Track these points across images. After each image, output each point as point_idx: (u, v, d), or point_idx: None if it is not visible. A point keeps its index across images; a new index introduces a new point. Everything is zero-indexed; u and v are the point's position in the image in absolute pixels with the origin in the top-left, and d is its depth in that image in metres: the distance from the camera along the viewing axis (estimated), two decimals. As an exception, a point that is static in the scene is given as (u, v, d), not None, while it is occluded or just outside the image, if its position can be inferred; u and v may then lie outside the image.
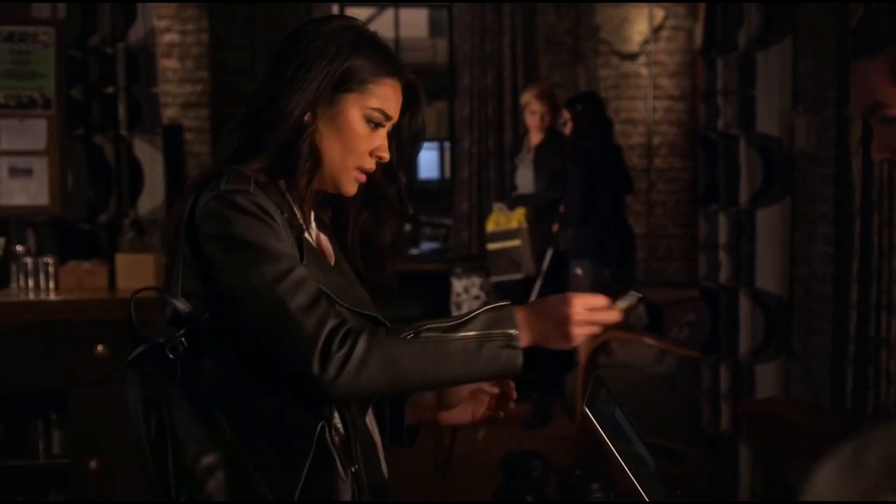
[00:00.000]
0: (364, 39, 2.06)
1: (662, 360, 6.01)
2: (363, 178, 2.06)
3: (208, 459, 1.86)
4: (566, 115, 6.61)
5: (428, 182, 11.48)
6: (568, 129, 6.61)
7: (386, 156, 2.06)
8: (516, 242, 6.83)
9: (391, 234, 2.17)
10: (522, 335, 1.88)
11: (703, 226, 5.31)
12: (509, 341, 1.86)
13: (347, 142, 2.01)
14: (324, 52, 1.99)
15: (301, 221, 1.99)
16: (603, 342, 6.00)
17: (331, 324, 1.83)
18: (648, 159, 8.62)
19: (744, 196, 4.99)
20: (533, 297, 6.51)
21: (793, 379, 4.99)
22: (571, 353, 6.38)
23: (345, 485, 1.90)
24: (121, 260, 4.42)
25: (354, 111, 2.01)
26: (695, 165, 8.46)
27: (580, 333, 1.87)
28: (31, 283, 4.39)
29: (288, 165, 1.98)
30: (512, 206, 6.84)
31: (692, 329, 5.95)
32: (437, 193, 10.29)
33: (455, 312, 6.99)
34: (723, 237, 5.12)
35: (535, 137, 6.88)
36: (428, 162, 11.69)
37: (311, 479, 1.86)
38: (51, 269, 4.40)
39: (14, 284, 4.43)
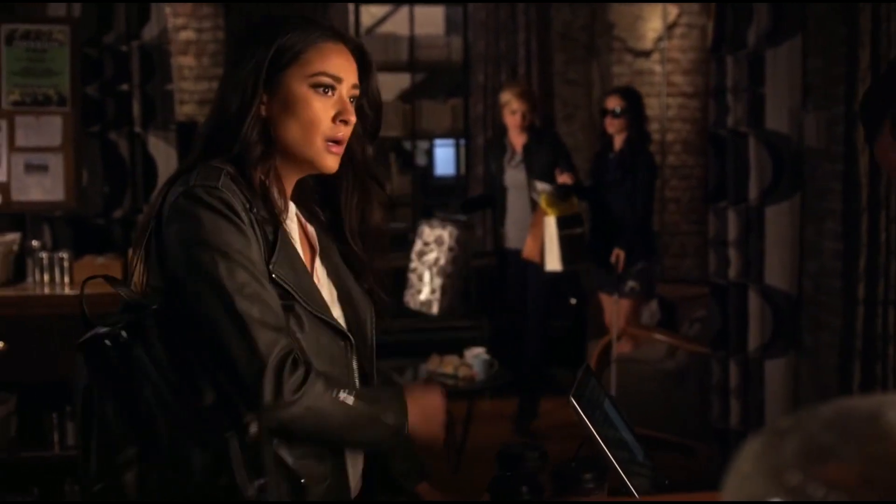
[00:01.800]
0: (293, 19, 2.03)
1: (673, 356, 6.04)
2: (337, 149, 2.00)
3: (129, 452, 1.86)
4: (618, 107, 6.35)
5: (444, 178, 11.50)
6: (618, 125, 6.36)
7: (350, 118, 2.00)
8: (581, 229, 6.51)
9: (380, 216, 2.16)
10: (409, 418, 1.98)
11: (712, 222, 5.34)
12: (398, 426, 1.96)
13: (302, 117, 1.97)
14: (253, 39, 1.98)
15: (278, 212, 1.98)
16: (609, 341, 6.03)
17: (283, 346, 1.84)
18: (662, 156, 8.63)
19: (753, 193, 5.02)
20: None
21: (801, 374, 5.02)
22: (562, 348, 6.49)
23: (246, 496, 1.82)
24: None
25: (297, 84, 1.97)
26: (707, 162, 8.48)
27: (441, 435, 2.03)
28: (46, 277, 4.45)
29: (245, 156, 1.95)
30: (564, 195, 6.39)
31: (702, 325, 5.97)
32: (453, 190, 10.32)
33: (417, 264, 6.55)
34: (732, 234, 5.14)
35: (519, 138, 6.55)
36: (444, 159, 11.71)
37: (210, 485, 1.83)
38: (66, 263, 4.45)
39: (30, 279, 4.49)
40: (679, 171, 8.71)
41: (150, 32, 4.93)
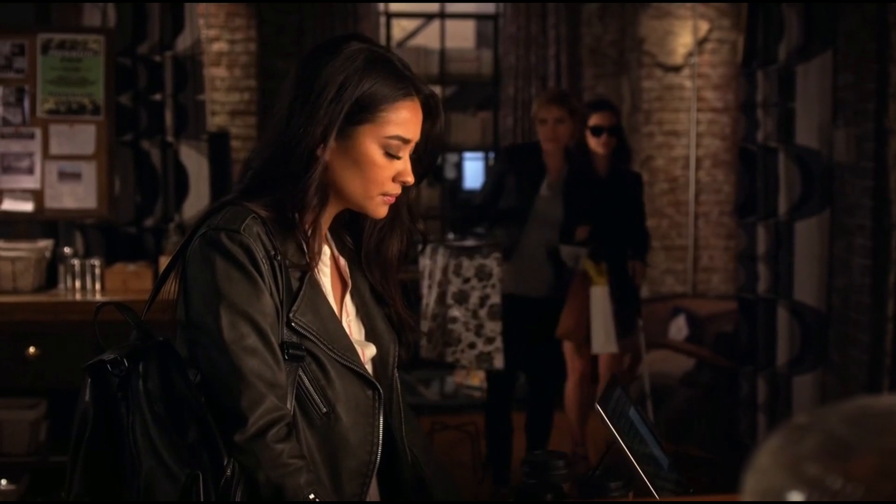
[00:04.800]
0: (376, 62, 1.95)
1: (700, 371, 6.03)
2: (391, 200, 2.00)
3: (107, 476, 1.86)
4: (609, 124, 5.37)
5: (472, 192, 11.53)
6: (607, 145, 5.39)
7: (410, 179, 1.99)
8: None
9: (398, 248, 2.11)
10: None
11: (741, 237, 5.34)
12: None
13: (366, 174, 1.95)
14: (332, 81, 1.92)
15: (308, 258, 1.94)
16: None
17: (270, 407, 1.83)
18: (691, 171, 8.63)
19: (783, 208, 5.01)
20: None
21: (829, 390, 5.00)
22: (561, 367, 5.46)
23: None
24: (165, 263, 4.50)
25: (370, 143, 1.94)
26: (737, 178, 8.47)
27: None
28: (77, 284, 4.49)
29: (298, 199, 1.93)
30: (599, 261, 5.24)
31: (730, 340, 5.96)
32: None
33: (458, 311, 4.98)
34: (761, 248, 5.14)
35: (556, 160, 5.27)
36: (473, 172, 11.74)
37: None
38: (97, 270, 4.49)
39: (61, 285, 4.53)
40: (708, 186, 8.69)
41: (183, 43, 4.97)
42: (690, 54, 8.54)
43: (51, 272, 4.60)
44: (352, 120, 1.92)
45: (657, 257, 8.53)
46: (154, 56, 4.95)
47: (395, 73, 1.96)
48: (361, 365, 1.99)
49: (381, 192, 1.97)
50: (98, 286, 4.48)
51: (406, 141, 1.96)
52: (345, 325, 2.02)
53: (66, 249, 4.59)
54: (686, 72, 8.57)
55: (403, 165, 1.98)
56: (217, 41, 8.05)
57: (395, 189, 1.98)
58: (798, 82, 4.95)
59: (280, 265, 1.90)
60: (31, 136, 4.66)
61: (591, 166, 5.45)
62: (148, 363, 1.85)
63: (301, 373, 1.91)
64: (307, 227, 1.95)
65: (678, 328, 7.60)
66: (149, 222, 4.98)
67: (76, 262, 4.50)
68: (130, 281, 4.48)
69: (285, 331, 1.90)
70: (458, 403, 6.85)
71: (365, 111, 1.92)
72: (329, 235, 2.07)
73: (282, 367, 1.88)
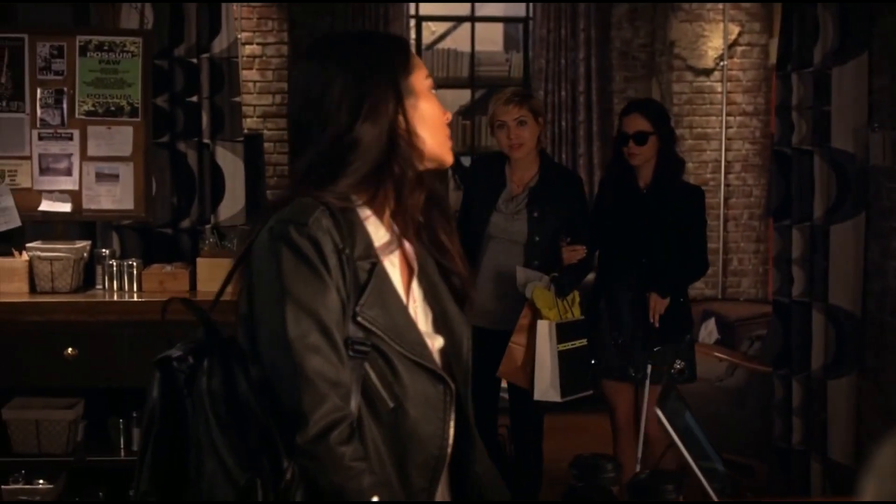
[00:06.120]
0: (392, 38, 2.13)
1: (733, 374, 6.01)
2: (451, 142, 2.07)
3: (173, 474, 1.87)
4: (631, 130, 4.74)
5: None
6: (645, 154, 4.77)
7: (448, 114, 2.08)
8: (585, 341, 4.72)
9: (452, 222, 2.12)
10: None
11: (775, 240, 5.32)
12: None
13: (433, 122, 2.01)
14: (379, 70, 1.98)
15: (376, 250, 1.95)
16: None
17: (332, 407, 1.82)
18: (721, 175, 8.60)
19: (818, 211, 4.99)
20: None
21: (865, 395, 4.98)
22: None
23: None
24: (202, 264, 4.53)
25: (425, 92, 2.03)
26: (768, 182, 8.43)
27: None
28: (115, 284, 4.51)
29: (376, 185, 1.95)
30: (566, 290, 4.63)
31: (763, 344, 5.94)
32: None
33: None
34: (796, 252, 5.12)
35: (518, 170, 4.75)
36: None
37: None
38: (135, 271, 4.51)
39: (99, 286, 4.55)
40: (738, 189, 8.66)
41: (220, 45, 4.99)
42: (721, 57, 8.51)
43: (88, 273, 4.62)
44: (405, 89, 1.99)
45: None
46: (191, 58, 4.96)
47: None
48: (431, 359, 1.97)
49: (447, 133, 2.04)
50: (135, 286, 4.50)
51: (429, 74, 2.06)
52: (411, 311, 2.00)
53: (104, 250, 4.61)
54: (717, 75, 8.54)
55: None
56: (249, 44, 8.07)
57: (448, 118, 2.06)
58: (833, 85, 4.92)
59: (348, 258, 1.88)
60: (70, 138, 4.69)
61: (570, 175, 5.18)
62: (213, 360, 1.84)
63: (367, 367, 1.89)
64: (394, 206, 1.97)
65: (708, 332, 7.57)
66: (185, 224, 4.99)
67: (114, 262, 4.52)
68: (167, 282, 4.49)
69: (351, 326, 1.88)
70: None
71: (408, 74, 2.00)
72: (393, 221, 2.04)
73: (345, 364, 1.86)
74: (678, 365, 4.84)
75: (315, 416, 1.81)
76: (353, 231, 1.92)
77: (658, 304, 4.72)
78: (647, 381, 4.74)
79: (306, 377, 1.82)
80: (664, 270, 4.76)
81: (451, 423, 1.99)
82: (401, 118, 1.96)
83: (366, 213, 1.98)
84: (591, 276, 5.04)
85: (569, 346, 4.58)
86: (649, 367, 4.76)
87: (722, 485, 1.85)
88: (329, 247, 1.87)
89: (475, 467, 2.11)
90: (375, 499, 1.82)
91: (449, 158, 2.04)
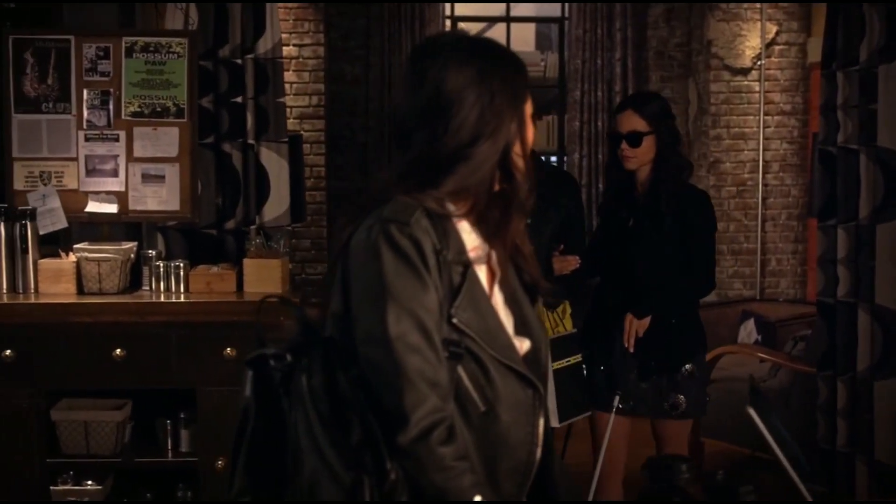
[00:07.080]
0: (520, 61, 2.13)
1: (775, 375, 5.98)
2: None
3: (270, 475, 1.87)
4: (624, 129, 4.24)
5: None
6: (640, 157, 4.27)
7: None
8: (579, 357, 4.43)
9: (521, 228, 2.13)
10: None
11: (820, 240, 5.28)
12: None
13: (528, 146, 2.06)
14: (511, 94, 2.01)
15: (468, 256, 1.96)
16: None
17: (432, 408, 1.82)
18: (759, 175, 8.56)
19: (864, 211, 4.96)
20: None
21: (912, 396, 4.94)
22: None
23: None
24: (248, 265, 4.53)
25: (529, 118, 2.08)
26: (806, 182, 8.39)
27: None
28: (161, 285, 4.52)
29: (475, 197, 1.97)
30: (555, 303, 4.47)
31: (806, 344, 5.91)
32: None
33: None
34: (841, 252, 5.08)
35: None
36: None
37: None
38: (181, 272, 4.51)
39: (145, 287, 4.56)
40: (776, 189, 8.62)
41: (264, 45, 4.99)
42: (758, 57, 8.47)
43: (134, 274, 4.63)
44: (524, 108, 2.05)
45: (724, 262, 8.47)
46: (235, 59, 4.97)
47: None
48: (521, 363, 1.98)
49: (531, 147, 2.08)
50: (182, 287, 4.51)
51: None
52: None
53: (150, 252, 4.62)
54: (754, 74, 8.51)
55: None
56: (286, 45, 8.09)
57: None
58: (880, 83, 4.88)
59: (444, 260, 1.89)
60: (116, 139, 4.70)
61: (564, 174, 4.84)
62: (312, 359, 1.84)
63: (460, 370, 1.89)
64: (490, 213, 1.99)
65: (747, 332, 7.54)
66: (230, 225, 4.99)
67: (160, 263, 4.53)
68: (214, 283, 4.50)
69: (446, 327, 1.89)
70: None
71: (522, 101, 2.04)
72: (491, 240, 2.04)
73: (444, 365, 1.86)
74: (673, 399, 4.29)
75: (416, 417, 1.81)
76: (447, 234, 1.93)
77: (633, 326, 4.21)
78: (613, 410, 4.26)
79: (407, 377, 1.82)
80: (646, 288, 4.25)
81: (541, 429, 2.00)
82: (517, 142, 2.01)
83: (458, 219, 1.98)
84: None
85: (563, 363, 4.36)
86: (616, 398, 4.28)
87: (813, 485, 1.84)
88: (429, 247, 1.88)
89: (554, 471, 2.11)
90: (478, 498, 1.81)
91: (525, 169, 2.08)
